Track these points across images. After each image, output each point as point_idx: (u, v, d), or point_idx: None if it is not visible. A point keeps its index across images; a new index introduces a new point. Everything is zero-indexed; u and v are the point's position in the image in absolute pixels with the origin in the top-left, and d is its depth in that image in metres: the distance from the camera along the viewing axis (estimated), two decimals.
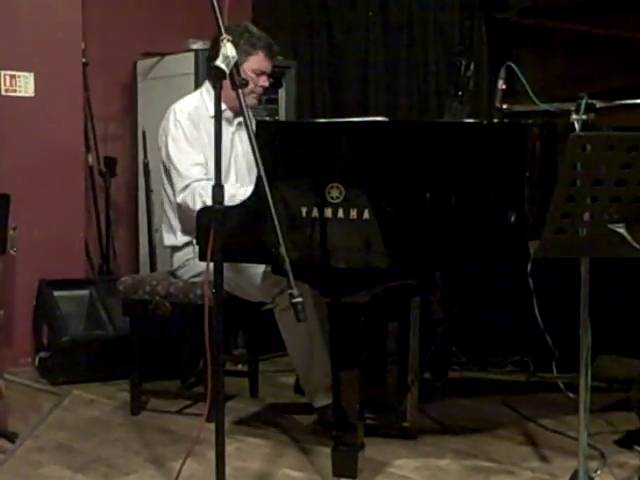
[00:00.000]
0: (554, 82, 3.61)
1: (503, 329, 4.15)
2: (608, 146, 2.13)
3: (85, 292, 4.23)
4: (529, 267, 2.52)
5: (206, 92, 3.57)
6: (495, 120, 2.97)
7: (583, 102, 2.63)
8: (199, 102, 3.55)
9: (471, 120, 3.09)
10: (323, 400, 3.19)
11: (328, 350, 3.01)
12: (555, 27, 3.68)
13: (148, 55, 4.68)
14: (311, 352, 3.16)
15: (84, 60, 4.45)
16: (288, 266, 2.29)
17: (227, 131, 3.52)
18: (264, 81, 3.56)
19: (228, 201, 2.93)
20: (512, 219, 2.73)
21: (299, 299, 2.26)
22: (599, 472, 2.83)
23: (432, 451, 3.11)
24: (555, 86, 3.53)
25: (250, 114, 3.61)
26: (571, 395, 3.11)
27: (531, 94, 2.82)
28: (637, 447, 3.08)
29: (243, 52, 3.40)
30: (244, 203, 2.87)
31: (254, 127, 2.79)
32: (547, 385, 3.76)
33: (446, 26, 4.48)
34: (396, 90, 4.72)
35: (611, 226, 2.23)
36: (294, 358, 3.28)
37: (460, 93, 3.13)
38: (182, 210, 3.46)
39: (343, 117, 4.37)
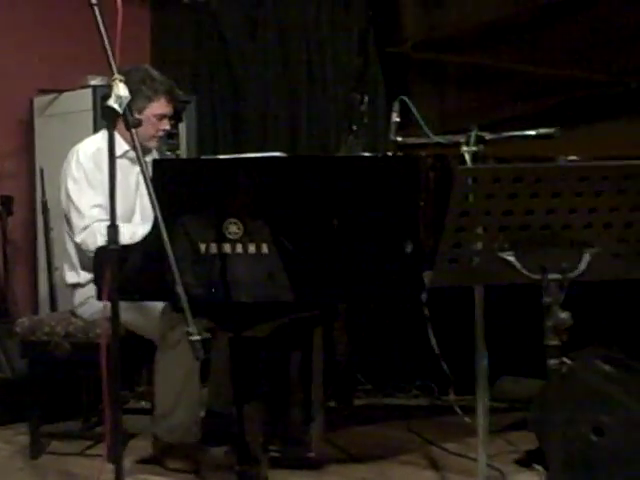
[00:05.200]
0: (449, 114, 3.71)
1: (407, 354, 4.22)
2: (494, 178, 2.20)
3: None
4: (424, 296, 2.58)
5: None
6: (389, 153, 3.03)
7: (473, 134, 2.73)
8: (102, 143, 3.53)
9: (366, 154, 3.15)
10: (183, 438, 3.23)
11: (199, 389, 3.12)
12: (448, 60, 3.79)
13: (45, 92, 4.63)
14: (181, 390, 3.20)
15: None
16: (185, 303, 2.30)
17: (132, 171, 3.51)
18: (165, 124, 3.57)
19: (129, 240, 2.95)
20: (408, 249, 2.79)
21: (197, 337, 2.27)
22: None
23: None
24: (450, 118, 3.63)
25: (155, 153, 3.64)
26: (467, 419, 3.17)
27: (424, 126, 2.91)
28: (536, 466, 3.16)
29: (145, 98, 3.42)
30: (143, 242, 2.87)
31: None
32: (451, 408, 3.83)
33: (343, 60, 4.57)
34: (297, 125, 4.78)
35: (501, 254, 2.30)
36: (161, 393, 3.29)
37: (355, 127, 3.19)
38: (82, 250, 3.44)
39: (244, 151, 4.41)
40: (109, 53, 2.37)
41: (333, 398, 3.88)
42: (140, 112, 3.34)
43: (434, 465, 3.29)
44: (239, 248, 2.75)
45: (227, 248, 2.76)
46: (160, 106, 3.50)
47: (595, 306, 3.61)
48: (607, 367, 3.11)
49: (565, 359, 2.94)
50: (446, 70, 3.79)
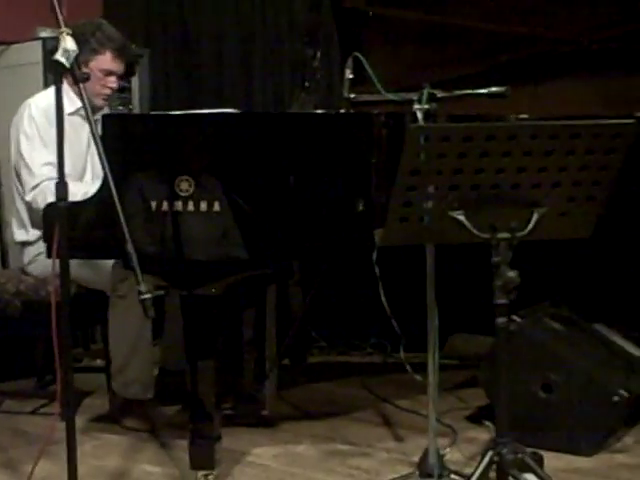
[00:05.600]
0: (404, 71, 3.69)
1: (361, 312, 4.23)
2: (444, 137, 2.19)
3: None
4: (374, 255, 2.58)
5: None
6: (343, 110, 3.01)
7: (425, 92, 2.70)
8: (54, 98, 3.46)
9: (318, 111, 3.12)
10: (138, 394, 3.24)
11: (151, 345, 3.15)
12: (403, 16, 3.76)
13: None
14: (134, 344, 3.19)
15: None
16: (135, 262, 2.28)
17: (84, 128, 3.44)
18: (112, 82, 3.48)
19: (81, 198, 2.91)
20: (360, 207, 2.79)
21: (147, 295, 2.25)
22: (448, 449, 2.94)
23: (290, 438, 3.16)
24: (405, 75, 3.61)
25: (105, 108, 3.58)
26: (417, 377, 3.19)
27: (377, 83, 2.87)
28: (486, 422, 3.20)
29: (91, 50, 3.35)
30: (92, 199, 2.83)
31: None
32: (404, 366, 3.85)
33: (298, 15, 4.52)
34: (252, 80, 4.74)
35: (451, 213, 2.30)
36: (115, 346, 3.29)
37: (307, 84, 3.16)
38: (32, 208, 3.38)
39: (199, 106, 4.35)
40: (56, 4, 2.31)
41: (287, 356, 3.89)
42: (85, 65, 3.27)
43: (386, 422, 3.33)
44: (191, 206, 2.72)
45: (179, 206, 2.73)
46: (106, 60, 3.43)
47: (544, 264, 3.65)
48: (556, 325, 3.16)
49: (514, 317, 3.00)
50: (401, 27, 3.76)
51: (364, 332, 4.30)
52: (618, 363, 3.14)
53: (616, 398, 2.92)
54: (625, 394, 2.94)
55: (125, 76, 4.01)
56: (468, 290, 3.98)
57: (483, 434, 3.13)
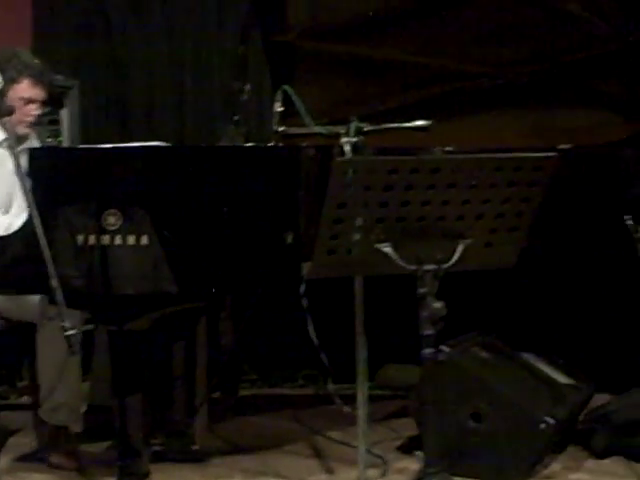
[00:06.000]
0: (334, 103, 3.72)
1: (293, 344, 4.22)
2: (370, 170, 2.22)
3: None
4: (302, 287, 2.59)
5: None
6: (272, 143, 3.02)
7: (352, 125, 2.74)
8: None
9: (249, 144, 3.14)
10: (66, 420, 3.15)
11: (79, 373, 3.05)
12: (334, 49, 3.80)
13: None
14: (62, 367, 3.12)
15: None
16: (60, 298, 2.26)
17: (10, 160, 3.38)
18: (34, 109, 3.44)
19: (4, 232, 2.86)
20: (289, 240, 2.80)
21: (72, 331, 2.23)
22: None
23: (222, 472, 3.13)
24: (336, 107, 3.64)
25: (34, 140, 3.53)
26: (347, 408, 3.20)
27: (305, 116, 2.90)
28: (417, 452, 3.22)
29: (9, 79, 3.31)
30: (16, 233, 2.79)
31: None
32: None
33: (230, 48, 4.53)
34: (183, 113, 4.73)
35: (377, 245, 2.32)
36: (43, 369, 3.17)
37: (236, 117, 3.17)
38: None
39: (130, 138, 4.33)
40: None
41: (218, 389, 3.86)
42: (4, 94, 3.23)
43: (318, 454, 3.32)
44: (118, 239, 2.71)
45: (106, 239, 2.71)
46: (24, 89, 3.37)
47: (473, 294, 3.69)
48: (484, 354, 3.20)
49: (443, 347, 3.02)
50: (331, 59, 3.79)
51: (296, 364, 4.29)
52: (545, 391, 3.19)
53: (543, 425, 2.96)
54: (551, 421, 2.98)
55: (53, 108, 3.98)
56: (399, 320, 4.00)
57: (413, 464, 3.13)
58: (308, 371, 4.24)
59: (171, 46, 4.75)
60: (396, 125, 2.76)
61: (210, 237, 2.77)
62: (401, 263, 2.31)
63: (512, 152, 2.56)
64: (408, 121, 2.86)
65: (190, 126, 4.67)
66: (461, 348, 3.18)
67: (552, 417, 3.00)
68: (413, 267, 2.32)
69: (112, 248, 2.70)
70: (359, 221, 2.28)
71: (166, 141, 3.07)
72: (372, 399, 3.39)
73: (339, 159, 2.26)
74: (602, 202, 3.28)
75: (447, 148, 3.19)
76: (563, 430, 3.15)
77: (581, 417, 3.40)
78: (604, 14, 3.57)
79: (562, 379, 3.34)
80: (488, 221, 2.34)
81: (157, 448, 3.10)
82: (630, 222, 2.53)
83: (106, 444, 3.27)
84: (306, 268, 2.68)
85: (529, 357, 3.36)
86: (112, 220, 2.69)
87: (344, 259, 2.34)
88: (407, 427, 3.41)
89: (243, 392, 4.16)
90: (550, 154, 2.28)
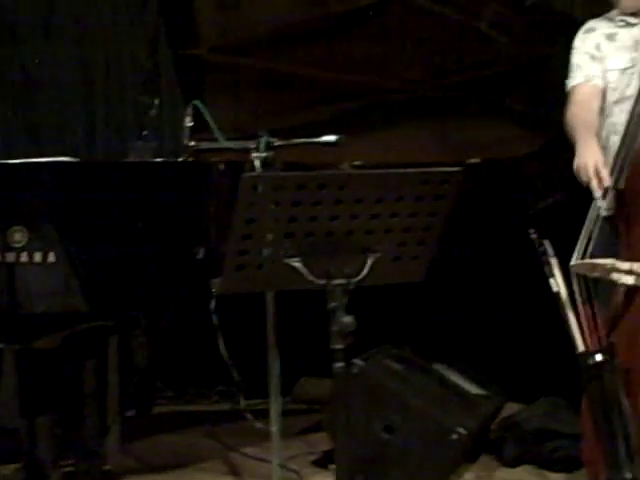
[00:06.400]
0: (247, 118, 3.72)
1: (208, 360, 4.19)
2: (278, 185, 2.22)
3: None
4: (212, 304, 2.57)
5: None
6: (182, 158, 3.00)
7: (262, 140, 2.74)
8: None
9: (158, 159, 3.11)
10: None
11: None
12: (246, 64, 3.79)
13: None
14: None
15: None
16: None
17: None
18: None
19: None
20: (200, 256, 2.78)
21: None
22: None
23: None
24: (247, 122, 3.63)
25: None
26: (259, 424, 3.19)
27: (215, 131, 2.89)
28: (332, 466, 3.22)
29: None
30: None
31: None
32: (254, 412, 3.84)
33: (141, 62, 4.49)
34: (94, 125, 4.67)
35: (287, 261, 2.32)
36: None
37: (145, 132, 3.15)
38: None
39: (39, 154, 4.25)
40: None
41: (131, 407, 3.80)
42: None
43: (233, 471, 3.30)
44: (24, 257, 2.66)
45: (11, 257, 2.65)
46: None
47: (386, 307, 3.72)
48: (397, 366, 3.23)
49: (356, 360, 3.05)
50: (243, 74, 3.79)
51: (210, 380, 4.26)
52: (456, 401, 3.24)
53: (454, 436, 3.00)
54: (463, 431, 3.02)
55: None
56: (314, 334, 4.01)
57: (328, 478, 3.14)
58: (223, 387, 4.20)
59: (82, 61, 4.69)
60: (306, 140, 2.77)
61: (120, 253, 2.73)
62: (311, 278, 2.31)
63: (421, 166, 2.59)
64: (320, 136, 2.88)
65: (101, 142, 4.62)
66: (374, 361, 3.20)
67: (464, 427, 3.04)
68: (322, 282, 2.31)
69: (18, 266, 2.65)
70: (268, 236, 2.28)
71: (77, 157, 3.03)
72: (288, 413, 3.40)
73: (246, 175, 2.24)
74: (509, 215, 3.35)
75: (355, 163, 3.22)
76: (475, 440, 3.20)
77: (493, 427, 3.46)
78: (511, 32, 3.66)
79: (474, 389, 3.39)
80: (396, 235, 2.35)
81: (67, 470, 3.03)
82: (534, 235, 2.58)
83: (13, 467, 3.19)
84: (216, 284, 2.67)
85: (441, 368, 3.41)
86: (18, 237, 2.64)
87: (254, 274, 2.33)
88: (322, 441, 3.42)
89: (157, 409, 4.12)
90: (455, 168, 2.31)
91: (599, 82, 2.89)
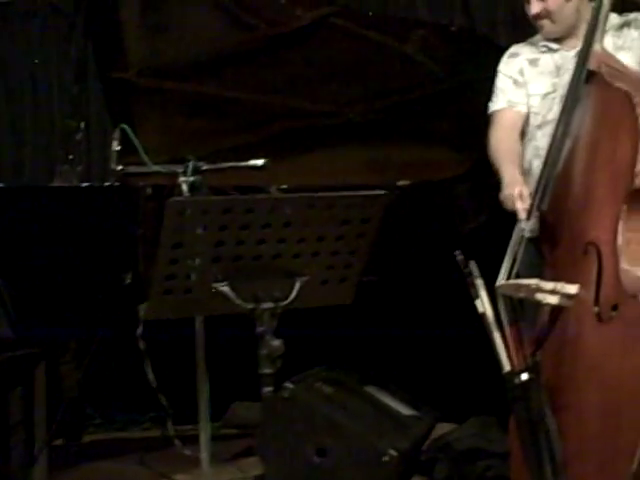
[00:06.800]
0: (176, 142, 3.69)
1: (139, 385, 4.14)
2: (204, 210, 2.21)
3: None
4: (139, 330, 2.55)
5: None
6: (110, 182, 2.98)
7: (190, 164, 2.73)
8: None
9: (85, 184, 3.08)
10: None
11: None
12: (175, 88, 3.77)
13: None
14: None
15: None
16: None
17: None
18: None
19: None
20: (128, 280, 2.76)
21: None
22: None
23: None
24: (177, 146, 3.61)
25: None
26: (187, 451, 3.16)
27: (143, 155, 2.87)
28: None
29: None
30: None
31: None
32: (184, 439, 3.80)
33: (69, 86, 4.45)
34: (22, 150, 4.61)
35: (215, 285, 2.31)
36: None
37: (71, 156, 3.11)
38: None
39: None
40: None
41: (60, 435, 3.73)
42: None
43: None
44: None
45: None
46: None
47: (316, 330, 3.72)
48: (328, 389, 3.23)
49: (287, 384, 3.04)
50: (172, 97, 3.77)
51: (141, 406, 4.20)
52: (388, 423, 3.24)
53: (386, 458, 3.00)
54: (394, 453, 3.03)
55: None
56: (246, 358, 3.99)
57: None
58: (154, 413, 4.15)
59: (8, 85, 4.64)
60: (233, 164, 2.77)
61: (47, 279, 2.70)
62: (238, 302, 2.31)
63: (349, 189, 2.61)
64: (250, 159, 2.88)
65: (29, 167, 4.56)
66: (305, 384, 3.20)
67: (395, 449, 3.05)
68: (251, 306, 2.32)
69: None
70: (196, 261, 2.27)
71: (3, 182, 2.99)
72: (220, 438, 3.38)
73: (172, 199, 2.23)
74: (436, 236, 3.39)
75: (283, 186, 3.23)
76: (407, 461, 3.21)
77: (424, 447, 3.47)
78: (437, 56, 3.72)
79: (405, 411, 3.40)
80: (324, 258, 2.37)
81: None
82: (460, 257, 2.61)
83: None
84: (143, 309, 2.65)
85: (372, 390, 3.41)
86: None
87: (182, 299, 2.32)
88: (255, 466, 3.39)
89: (87, 437, 4.04)
90: (380, 192, 2.33)
91: (523, 109, 2.96)
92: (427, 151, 3.78)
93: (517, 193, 2.70)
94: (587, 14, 2.82)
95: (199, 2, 3.57)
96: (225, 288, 2.31)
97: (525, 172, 2.87)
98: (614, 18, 2.87)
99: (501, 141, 2.93)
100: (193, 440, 3.39)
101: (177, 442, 3.24)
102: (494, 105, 3.01)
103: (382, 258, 2.99)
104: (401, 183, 3.54)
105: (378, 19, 3.86)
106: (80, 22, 3.54)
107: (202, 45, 3.65)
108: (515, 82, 2.99)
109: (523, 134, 2.98)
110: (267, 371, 2.32)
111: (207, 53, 3.67)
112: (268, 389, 2.33)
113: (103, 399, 4.20)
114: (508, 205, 2.74)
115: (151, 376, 2.80)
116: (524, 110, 2.96)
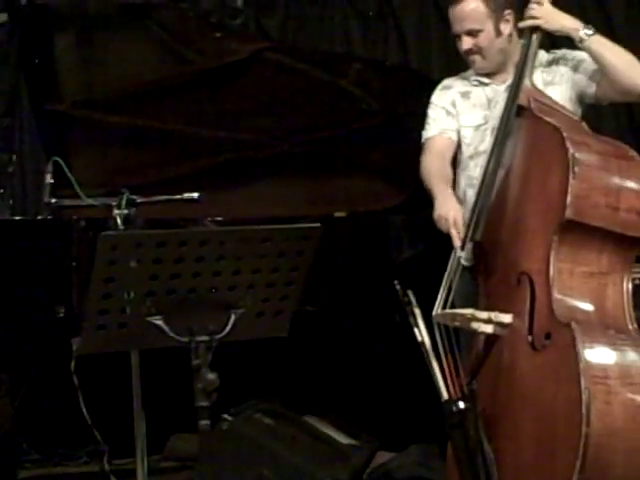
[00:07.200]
0: (111, 174, 3.66)
1: (76, 419, 4.08)
2: (137, 243, 2.20)
3: None
4: (72, 364, 2.52)
5: None
6: (43, 215, 2.95)
7: (124, 197, 2.71)
8: None
9: (17, 217, 3.05)
10: None
11: None
12: (109, 120, 3.75)
13: None
14: None
15: None
16: None
17: None
18: None
19: None
20: (60, 314, 2.73)
21: None
22: None
23: None
24: (112, 178, 3.58)
25: None
26: None
27: (76, 188, 2.84)
28: None
29: None
30: None
31: None
32: (123, 472, 3.74)
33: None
34: None
35: (149, 319, 2.29)
36: None
37: (1, 190, 3.08)
38: None
39: None
40: None
41: None
42: None
43: None
44: None
45: None
46: None
47: (255, 362, 3.71)
48: (267, 420, 3.22)
49: (225, 415, 3.02)
50: (106, 129, 3.74)
51: (79, 440, 4.13)
52: (327, 453, 3.25)
53: None
54: None
55: None
56: (184, 390, 3.95)
57: None
58: (92, 447, 4.08)
59: None
60: (167, 197, 2.76)
61: None
62: (173, 335, 2.29)
63: (286, 221, 2.62)
64: (185, 192, 2.87)
65: None
66: (244, 416, 3.18)
67: (334, 478, 3.05)
68: (186, 339, 2.30)
69: None
70: (129, 295, 2.25)
71: None
72: (159, 472, 3.33)
73: (104, 233, 2.21)
74: (374, 266, 3.41)
75: (217, 218, 3.22)
76: None
77: (365, 476, 3.47)
78: (372, 90, 3.76)
79: (344, 440, 3.41)
80: (259, 291, 2.36)
81: None
82: (398, 286, 2.63)
83: None
84: (76, 344, 2.62)
85: (312, 420, 3.41)
86: None
87: (115, 334, 2.29)
88: None
89: (23, 473, 3.96)
90: (315, 224, 2.34)
91: (453, 136, 3.01)
92: (363, 183, 3.82)
93: (452, 221, 2.73)
94: (517, 50, 2.89)
95: (134, 34, 3.56)
96: (159, 322, 2.29)
97: (460, 201, 2.91)
98: (543, 55, 2.94)
99: (432, 163, 2.97)
100: (132, 474, 3.36)
101: (112, 478, 3.18)
102: (427, 133, 3.05)
103: (320, 288, 2.99)
104: (338, 214, 3.56)
105: (313, 54, 3.90)
106: (13, 53, 3.50)
107: (137, 77, 3.65)
108: (447, 112, 3.03)
109: (457, 163, 3.02)
110: (203, 404, 2.30)
111: (142, 85, 3.66)
112: (205, 422, 2.31)
113: (39, 434, 4.11)
114: (442, 226, 2.77)
115: (85, 411, 2.75)
116: (455, 137, 3.01)
